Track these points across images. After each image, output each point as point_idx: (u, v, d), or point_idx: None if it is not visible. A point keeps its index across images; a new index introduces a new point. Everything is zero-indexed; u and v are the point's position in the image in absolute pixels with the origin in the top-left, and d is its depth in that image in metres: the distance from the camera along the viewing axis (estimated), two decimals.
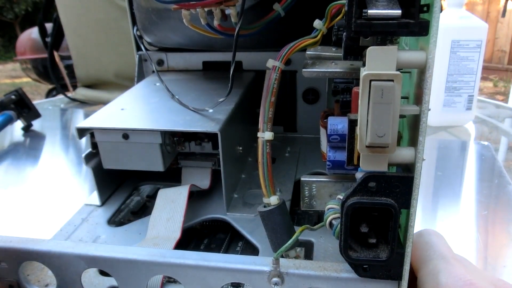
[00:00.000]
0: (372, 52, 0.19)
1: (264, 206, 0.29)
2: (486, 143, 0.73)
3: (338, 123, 0.26)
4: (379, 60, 0.18)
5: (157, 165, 0.40)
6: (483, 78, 3.71)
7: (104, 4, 0.98)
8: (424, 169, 0.66)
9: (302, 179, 0.28)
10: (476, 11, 3.95)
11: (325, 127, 0.28)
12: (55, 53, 1.22)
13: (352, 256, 0.22)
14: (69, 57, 1.14)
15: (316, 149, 0.48)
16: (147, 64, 0.56)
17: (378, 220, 0.22)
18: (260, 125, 0.28)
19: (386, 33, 0.18)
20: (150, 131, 0.39)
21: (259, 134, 0.28)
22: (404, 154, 0.20)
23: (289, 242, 0.25)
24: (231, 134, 0.41)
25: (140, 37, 0.53)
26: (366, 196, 0.21)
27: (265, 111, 0.28)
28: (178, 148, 0.43)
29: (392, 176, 0.21)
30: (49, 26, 1.26)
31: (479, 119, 0.93)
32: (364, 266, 0.23)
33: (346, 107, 0.29)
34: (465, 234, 0.46)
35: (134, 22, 0.53)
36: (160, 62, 0.55)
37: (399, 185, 0.21)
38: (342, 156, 0.27)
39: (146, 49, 0.54)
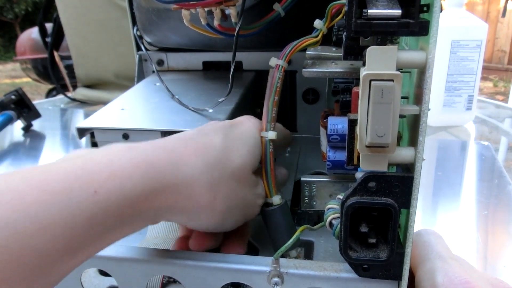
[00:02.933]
0: (372, 52, 0.19)
1: (267, 206, 0.29)
2: (486, 143, 0.73)
3: (338, 123, 0.26)
4: (379, 60, 0.18)
5: None
6: (483, 78, 3.71)
7: (104, 4, 0.98)
8: (424, 169, 0.66)
9: (302, 179, 0.28)
10: (476, 11, 3.95)
11: (325, 127, 0.28)
12: (55, 53, 1.22)
13: (352, 256, 0.22)
14: (69, 57, 1.14)
15: (316, 149, 0.48)
16: (147, 64, 0.56)
17: (378, 220, 0.22)
18: (264, 124, 0.28)
19: (386, 33, 0.18)
20: (150, 131, 0.39)
21: (263, 134, 0.28)
22: (404, 154, 0.20)
23: (289, 242, 0.25)
24: None
25: (140, 37, 0.53)
26: (366, 196, 0.21)
27: (269, 111, 0.28)
28: None
29: (392, 176, 0.21)
30: (49, 26, 1.26)
31: (479, 119, 0.93)
32: (364, 266, 0.23)
33: (346, 107, 0.29)
34: (465, 234, 0.46)
35: (134, 22, 0.53)
36: (160, 62, 0.55)
37: (399, 185, 0.21)
38: (342, 156, 0.27)
39: (146, 49, 0.54)
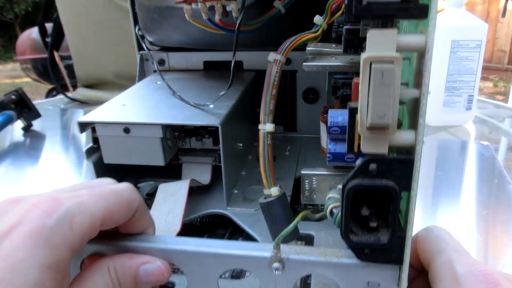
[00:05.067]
0: (372, 35, 0.19)
1: (265, 198, 0.29)
2: (486, 143, 0.73)
3: (338, 115, 0.26)
4: (379, 43, 0.18)
5: (158, 160, 0.40)
6: (483, 78, 3.71)
7: (104, 4, 0.98)
8: (424, 169, 0.66)
9: (302, 172, 0.28)
10: (476, 11, 3.96)
11: (325, 122, 0.28)
12: (55, 53, 1.21)
13: (353, 240, 0.22)
14: (69, 57, 1.14)
15: (316, 148, 0.48)
16: (148, 64, 0.56)
17: (379, 204, 0.22)
18: (261, 117, 0.28)
19: (386, 16, 0.18)
20: (151, 125, 0.39)
21: (260, 126, 0.28)
22: (404, 137, 0.20)
23: (290, 226, 0.25)
24: (231, 129, 0.41)
25: (142, 36, 0.53)
26: (367, 179, 0.21)
27: (266, 104, 0.28)
28: (178, 143, 0.44)
29: (392, 159, 0.21)
30: (49, 26, 1.26)
31: (479, 119, 0.93)
32: (365, 251, 0.23)
33: (346, 101, 0.29)
34: (465, 234, 0.46)
35: (136, 22, 0.53)
36: (161, 62, 0.55)
37: (399, 168, 0.20)
38: (342, 148, 0.27)
39: (148, 49, 0.54)
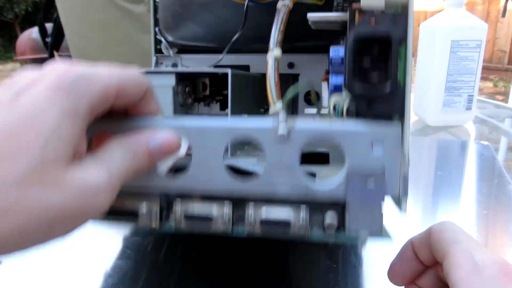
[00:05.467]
0: None
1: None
2: (486, 143, 0.73)
3: (339, 49, 0.29)
4: None
5: (167, 111, 0.41)
6: (483, 78, 3.71)
7: (104, 4, 0.99)
8: (424, 168, 0.66)
9: (305, 112, 0.29)
10: (476, 11, 3.96)
11: (327, 79, 0.30)
12: (55, 53, 1.22)
13: (356, 90, 0.23)
14: (69, 57, 1.14)
15: None
16: (162, 67, 0.58)
17: (380, 60, 0.24)
18: (270, 45, 0.30)
19: None
20: (165, 73, 0.40)
21: (268, 54, 0.30)
22: None
23: (298, 87, 0.26)
24: (239, 91, 0.42)
25: (160, 41, 0.55)
26: (368, 29, 0.23)
27: (275, 36, 0.31)
28: (188, 101, 0.45)
29: (388, 14, 0.22)
30: (49, 26, 1.26)
31: (479, 119, 0.93)
32: (368, 103, 0.24)
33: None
34: None
35: (155, 24, 0.55)
36: (174, 66, 0.58)
37: (395, 21, 0.22)
38: (343, 79, 0.29)
39: (166, 48, 0.56)
